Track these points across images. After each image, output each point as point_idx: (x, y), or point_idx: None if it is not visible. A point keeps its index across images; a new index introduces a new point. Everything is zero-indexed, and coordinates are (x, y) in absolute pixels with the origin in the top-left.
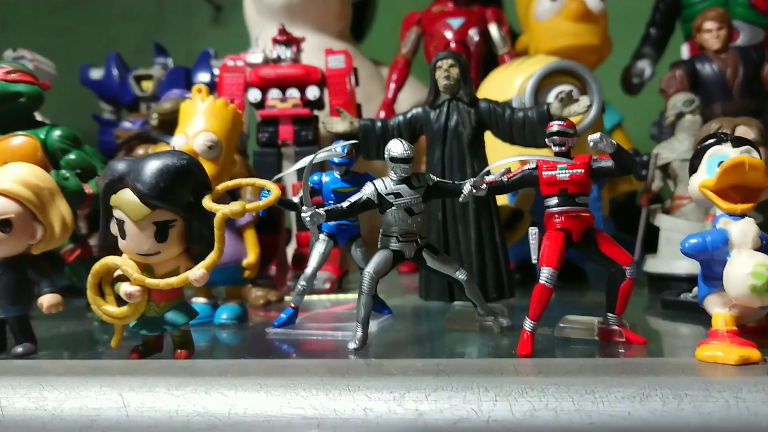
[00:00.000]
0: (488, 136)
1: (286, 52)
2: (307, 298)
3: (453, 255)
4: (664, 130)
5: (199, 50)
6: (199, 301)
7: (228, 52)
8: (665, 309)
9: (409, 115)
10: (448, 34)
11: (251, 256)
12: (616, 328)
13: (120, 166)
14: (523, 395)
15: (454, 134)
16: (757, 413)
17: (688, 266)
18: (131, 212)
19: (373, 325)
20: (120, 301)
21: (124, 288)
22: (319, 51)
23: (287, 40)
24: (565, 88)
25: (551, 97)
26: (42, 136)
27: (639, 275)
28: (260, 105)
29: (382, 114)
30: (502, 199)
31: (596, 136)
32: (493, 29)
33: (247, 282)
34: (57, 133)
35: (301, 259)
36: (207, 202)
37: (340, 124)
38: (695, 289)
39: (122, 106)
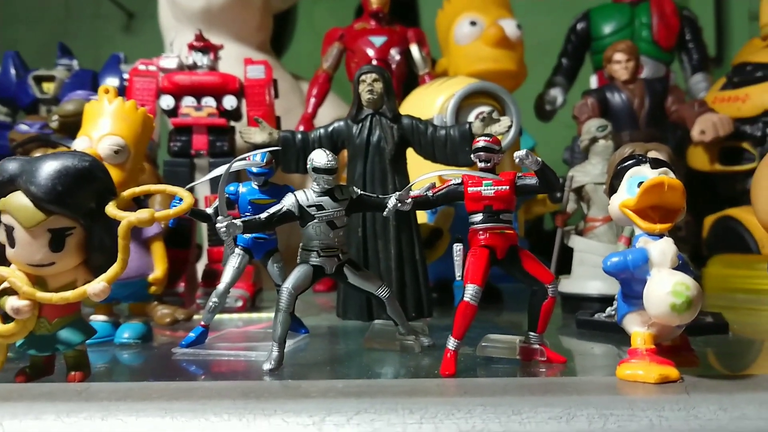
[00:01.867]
0: (410, 153)
1: (202, 59)
2: (217, 317)
3: (373, 271)
4: (576, 154)
5: (106, 56)
6: (98, 319)
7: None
8: (579, 328)
9: (330, 128)
10: (370, 52)
11: (158, 271)
12: (537, 347)
13: (11, 166)
14: (449, 417)
15: (376, 149)
16: (679, 431)
17: (600, 287)
18: (23, 218)
19: (289, 345)
20: (6, 318)
21: (10, 302)
22: (237, 61)
23: (204, 46)
24: (486, 108)
25: (472, 117)
26: None
27: None
28: (173, 113)
29: (302, 128)
30: (422, 218)
31: (522, 152)
32: (415, 50)
33: (152, 299)
34: None
35: (212, 276)
36: (111, 209)
37: (258, 135)
38: (608, 309)
39: (19, 108)
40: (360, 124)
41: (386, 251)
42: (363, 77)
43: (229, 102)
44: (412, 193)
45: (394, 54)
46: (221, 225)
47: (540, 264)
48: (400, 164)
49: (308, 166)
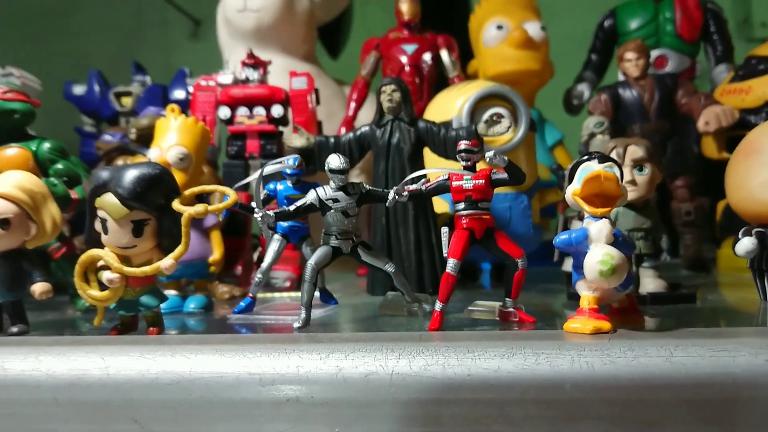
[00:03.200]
0: (427, 151)
1: (253, 74)
2: (269, 294)
3: (395, 254)
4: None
5: (177, 63)
6: (170, 293)
7: (205, 66)
8: (570, 300)
9: (358, 132)
10: (403, 59)
11: (216, 254)
12: (511, 309)
13: (104, 174)
14: (420, 354)
15: (396, 150)
16: (593, 366)
17: None
18: (113, 212)
19: (320, 312)
20: (102, 287)
21: (106, 275)
22: (285, 72)
23: (255, 63)
24: (498, 110)
25: (484, 118)
26: (33, 148)
27: (560, 274)
28: (229, 121)
29: (343, 130)
30: (443, 207)
31: (490, 153)
32: (444, 54)
33: (213, 276)
34: (46, 145)
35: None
36: (176, 204)
37: (298, 140)
38: None
39: (102, 120)
40: (382, 129)
41: (406, 237)
42: (383, 88)
43: (277, 110)
44: (408, 187)
45: (426, 59)
46: (257, 215)
47: (512, 242)
48: (417, 162)
49: (326, 168)
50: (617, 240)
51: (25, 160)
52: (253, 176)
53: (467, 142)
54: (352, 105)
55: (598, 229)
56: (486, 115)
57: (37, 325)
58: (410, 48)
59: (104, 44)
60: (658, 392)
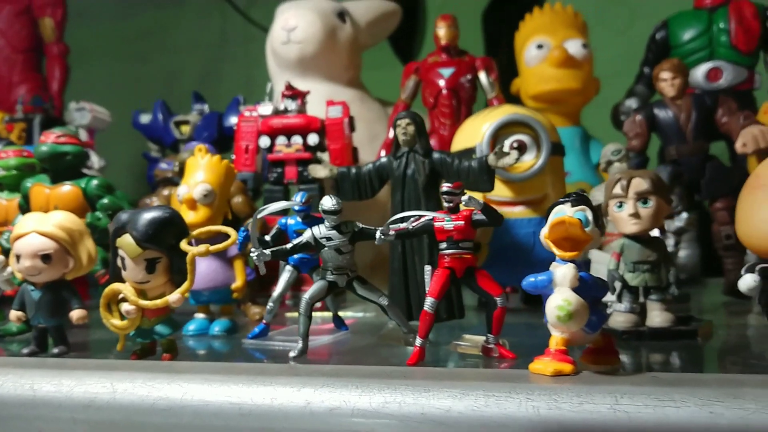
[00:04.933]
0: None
1: (291, 105)
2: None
3: (411, 281)
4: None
5: (258, 77)
6: (198, 317)
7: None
8: None
9: (377, 163)
10: (441, 82)
11: (238, 281)
12: (492, 345)
13: (123, 216)
14: (381, 392)
15: (411, 180)
16: (539, 410)
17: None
18: (129, 251)
19: (330, 338)
20: (123, 316)
21: (124, 307)
22: (328, 97)
23: (293, 94)
24: (520, 137)
25: (496, 150)
26: (83, 185)
27: None
28: (269, 150)
29: (383, 152)
30: None
31: (465, 197)
32: (482, 76)
33: (236, 302)
34: (94, 182)
35: (299, 282)
36: (183, 245)
37: (321, 171)
38: None
39: (166, 147)
40: (399, 160)
41: (422, 264)
42: (398, 122)
43: (313, 139)
44: (394, 227)
45: (463, 82)
46: (254, 254)
47: (491, 280)
48: (432, 192)
49: (320, 209)
50: (586, 283)
51: (76, 196)
52: (268, 209)
53: (449, 184)
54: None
55: (562, 273)
56: (506, 144)
57: (82, 345)
58: (447, 72)
59: (193, 61)
60: None
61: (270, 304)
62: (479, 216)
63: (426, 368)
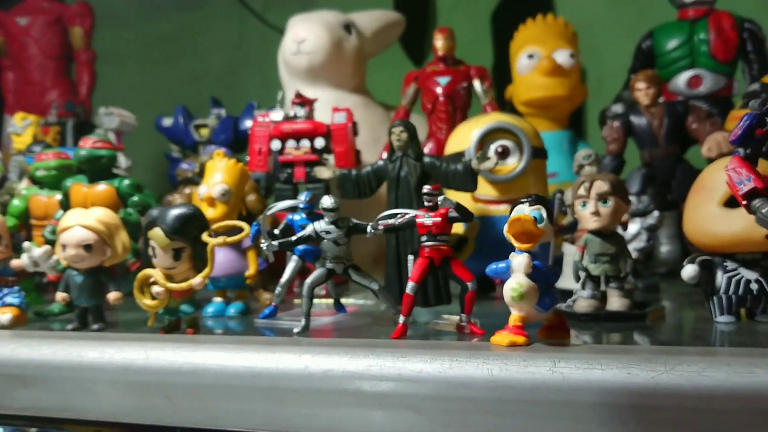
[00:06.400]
0: None
1: (300, 111)
2: None
3: (404, 271)
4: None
5: (274, 78)
6: (216, 300)
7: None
8: None
9: (375, 166)
10: (438, 90)
11: (251, 270)
12: (464, 324)
13: (154, 213)
14: (366, 356)
15: (404, 182)
16: (492, 371)
17: (570, 283)
18: (159, 242)
19: (330, 319)
20: (153, 297)
21: (154, 289)
22: (335, 103)
23: (302, 101)
24: (503, 142)
25: (478, 154)
26: (116, 185)
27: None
28: (280, 152)
29: (385, 155)
30: (458, 228)
31: (441, 197)
32: (477, 84)
33: (249, 287)
34: (126, 182)
35: (305, 271)
36: (204, 236)
37: (325, 172)
38: (568, 300)
39: (186, 148)
40: (393, 163)
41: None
42: (393, 129)
43: (319, 143)
44: (383, 222)
45: (459, 89)
46: (264, 245)
47: (464, 268)
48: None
49: (320, 206)
50: (539, 270)
51: (111, 194)
52: (277, 207)
53: (428, 187)
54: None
55: (518, 261)
56: (491, 149)
57: (120, 322)
58: (443, 80)
59: (210, 64)
60: (543, 395)
61: (278, 288)
62: (453, 213)
63: (406, 341)
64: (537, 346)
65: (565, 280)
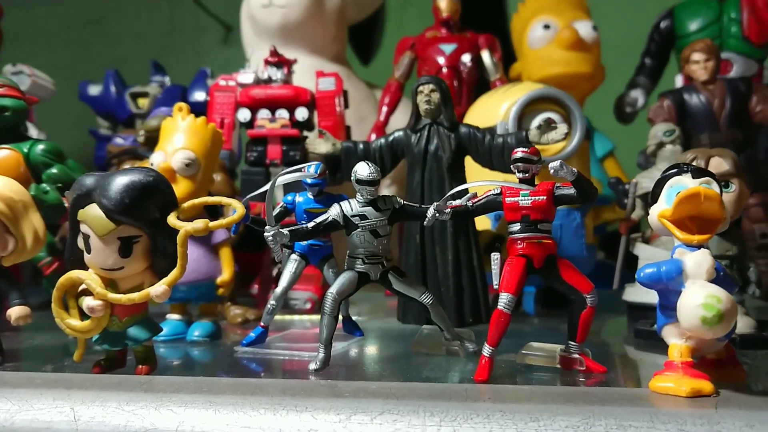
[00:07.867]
0: (468, 161)
1: (276, 73)
2: (287, 317)
3: (430, 277)
4: (651, 159)
5: (208, 63)
6: (173, 318)
7: (235, 71)
8: (637, 338)
9: (390, 138)
10: (441, 60)
11: (225, 274)
12: (576, 356)
13: (88, 181)
14: (467, 421)
15: (434, 158)
16: None
17: (648, 296)
18: (96, 227)
19: (343, 346)
20: (84, 315)
21: (87, 302)
22: (312, 72)
23: (278, 61)
24: (549, 115)
25: (535, 124)
26: (25, 150)
27: (619, 304)
28: (250, 125)
29: (374, 136)
30: (485, 224)
31: (556, 164)
32: (486, 56)
33: (221, 299)
34: (40, 147)
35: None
36: (172, 219)
37: (323, 146)
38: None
39: (118, 122)
40: (418, 134)
41: (444, 257)
42: (421, 88)
43: (301, 113)
44: (451, 203)
45: (465, 60)
46: (269, 234)
47: (579, 273)
48: (457, 172)
49: (352, 178)
50: (718, 275)
51: (16, 164)
52: (266, 187)
53: (525, 149)
54: (384, 109)
55: (696, 262)
56: (537, 121)
57: (20, 352)
58: (448, 48)
59: (139, 50)
60: None
61: (271, 302)
62: (565, 190)
63: (515, 386)
64: (734, 395)
65: (643, 292)
